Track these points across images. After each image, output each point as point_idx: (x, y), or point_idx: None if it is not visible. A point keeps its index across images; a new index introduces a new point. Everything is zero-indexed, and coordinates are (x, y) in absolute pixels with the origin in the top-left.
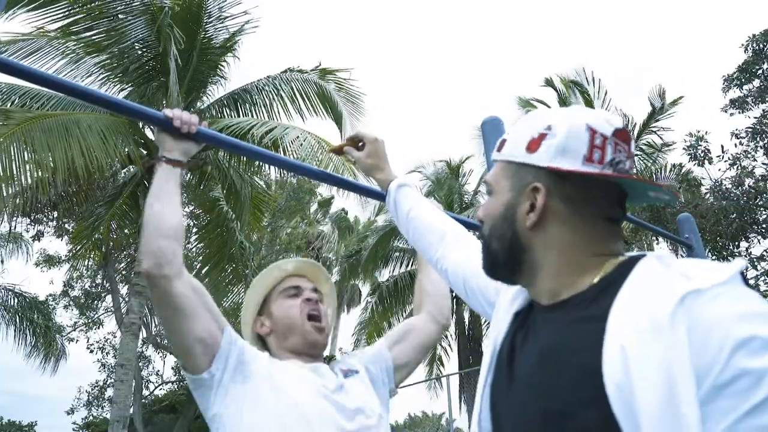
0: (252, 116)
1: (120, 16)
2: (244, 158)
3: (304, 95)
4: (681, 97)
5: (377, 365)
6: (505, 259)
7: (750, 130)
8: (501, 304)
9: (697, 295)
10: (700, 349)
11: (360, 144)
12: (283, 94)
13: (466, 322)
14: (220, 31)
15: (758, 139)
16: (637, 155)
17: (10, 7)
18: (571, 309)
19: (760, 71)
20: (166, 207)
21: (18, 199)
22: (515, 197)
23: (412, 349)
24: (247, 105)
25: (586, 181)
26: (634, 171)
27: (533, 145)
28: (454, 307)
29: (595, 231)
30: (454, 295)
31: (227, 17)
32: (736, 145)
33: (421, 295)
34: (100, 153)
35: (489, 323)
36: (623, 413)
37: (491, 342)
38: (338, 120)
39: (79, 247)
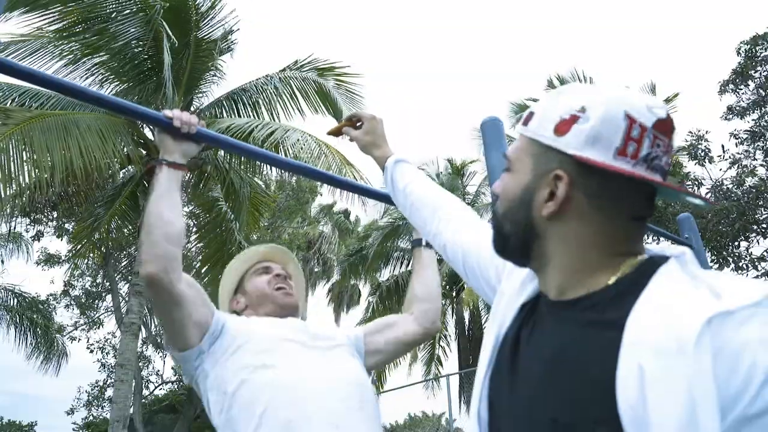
0: (252, 115)
1: (113, 15)
2: (244, 158)
3: (303, 93)
4: (676, 95)
5: (351, 342)
6: (516, 244)
7: (749, 132)
8: (505, 291)
9: (726, 317)
10: (727, 377)
11: (358, 123)
12: (283, 93)
13: (466, 322)
14: (214, 28)
15: (757, 141)
16: None
17: (8, 9)
18: (584, 310)
19: (755, 75)
20: (172, 211)
21: (17, 199)
22: (535, 181)
23: (387, 341)
24: (247, 104)
25: (615, 176)
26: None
27: (562, 127)
28: (455, 306)
29: (618, 230)
30: (453, 295)
31: (213, 10)
32: (736, 145)
33: (410, 297)
34: (99, 153)
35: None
36: None
37: (494, 331)
38: (338, 117)
39: (79, 247)
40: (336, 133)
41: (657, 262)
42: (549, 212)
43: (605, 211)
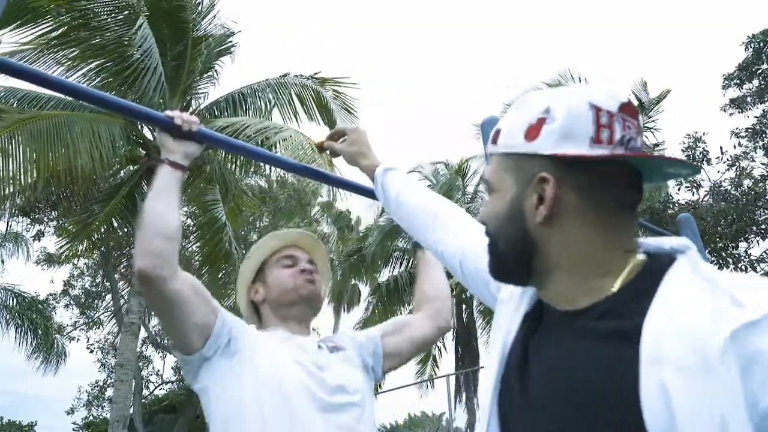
0: (249, 117)
1: (104, 17)
2: (242, 157)
3: (300, 100)
4: (668, 92)
5: (367, 348)
6: (515, 262)
7: (750, 129)
8: (504, 299)
9: (751, 327)
10: (758, 392)
11: (341, 139)
12: (281, 98)
13: (465, 322)
14: (212, 30)
15: (758, 139)
16: None
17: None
18: (593, 320)
19: (759, 71)
20: (168, 208)
21: (16, 199)
22: (521, 192)
23: (404, 341)
24: (244, 107)
25: (597, 166)
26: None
27: (532, 132)
28: (453, 307)
29: (612, 220)
30: (453, 295)
31: (211, 11)
32: (735, 146)
33: (420, 297)
34: (95, 153)
35: (486, 321)
36: None
37: (500, 344)
38: (332, 127)
39: (66, 243)
40: (319, 148)
41: (661, 261)
42: (542, 217)
43: (596, 202)
